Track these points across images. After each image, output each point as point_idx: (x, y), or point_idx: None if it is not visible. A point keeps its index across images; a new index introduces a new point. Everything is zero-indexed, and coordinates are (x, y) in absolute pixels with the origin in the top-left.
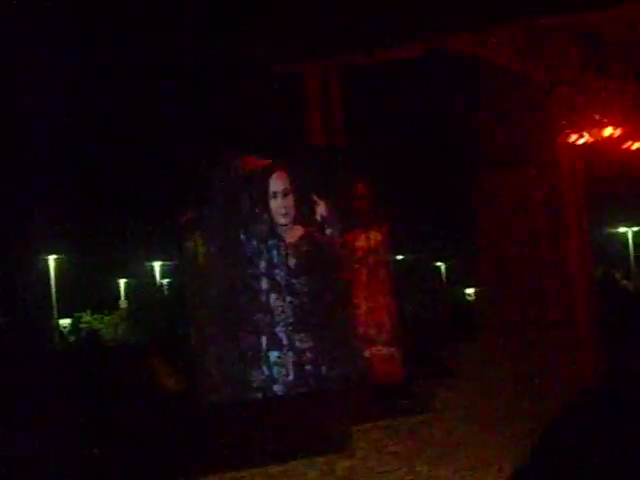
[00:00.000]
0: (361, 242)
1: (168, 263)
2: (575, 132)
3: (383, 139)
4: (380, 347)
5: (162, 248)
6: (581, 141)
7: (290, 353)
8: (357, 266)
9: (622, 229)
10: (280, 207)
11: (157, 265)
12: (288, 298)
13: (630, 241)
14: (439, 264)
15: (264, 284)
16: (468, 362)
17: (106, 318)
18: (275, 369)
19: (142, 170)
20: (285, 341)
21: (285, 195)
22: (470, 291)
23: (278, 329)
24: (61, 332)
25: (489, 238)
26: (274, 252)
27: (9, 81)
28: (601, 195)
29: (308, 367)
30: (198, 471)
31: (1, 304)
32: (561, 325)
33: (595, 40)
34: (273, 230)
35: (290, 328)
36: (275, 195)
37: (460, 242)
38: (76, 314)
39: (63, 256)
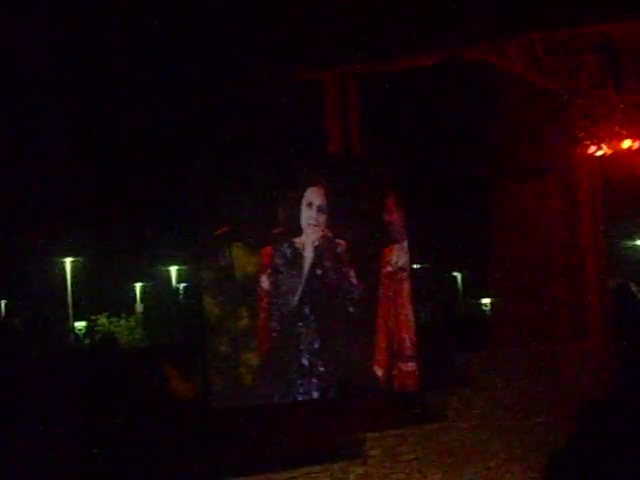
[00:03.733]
0: (387, 257)
1: (184, 267)
2: (594, 144)
3: (400, 148)
4: (401, 362)
5: (179, 252)
6: (599, 153)
7: (311, 367)
8: (384, 282)
9: (639, 242)
10: (311, 218)
11: (173, 269)
12: (312, 313)
13: None
14: (455, 274)
15: (289, 297)
16: (481, 372)
17: (122, 322)
18: (296, 380)
19: (162, 175)
20: (306, 358)
21: (319, 210)
22: (486, 301)
23: (302, 347)
24: (77, 335)
25: (504, 249)
26: (300, 267)
27: (21, 82)
28: (618, 207)
29: (327, 379)
30: (210, 476)
31: (17, 306)
32: (575, 337)
33: (613, 52)
34: (301, 245)
35: (314, 347)
36: (310, 206)
37: (477, 252)
38: (92, 317)
39: (80, 259)
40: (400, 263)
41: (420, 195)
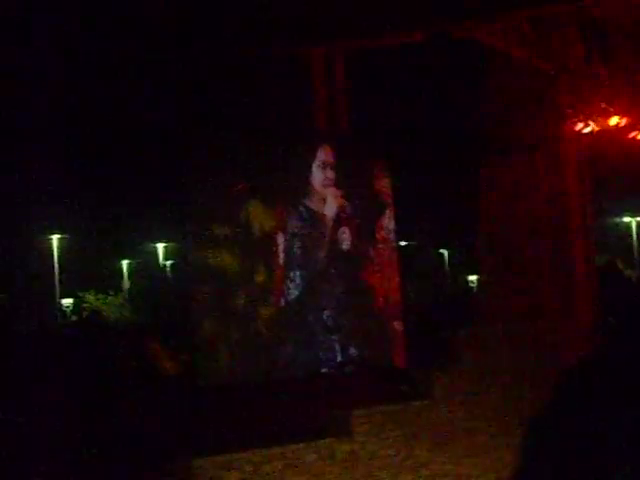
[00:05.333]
0: (381, 222)
1: (171, 244)
2: (581, 121)
3: (386, 125)
4: (392, 323)
5: (165, 229)
6: (587, 130)
7: (332, 338)
8: (378, 247)
9: (626, 219)
10: (328, 178)
11: (160, 246)
12: (332, 272)
13: (634, 231)
14: (442, 251)
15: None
16: (468, 349)
17: (109, 299)
18: (319, 338)
19: (149, 153)
20: (329, 324)
21: (333, 168)
22: (473, 278)
23: (322, 314)
24: (64, 312)
25: (491, 225)
26: (317, 229)
27: (10, 61)
28: (605, 184)
29: (343, 349)
30: (196, 452)
31: (4, 283)
32: (562, 314)
33: (600, 29)
34: (317, 206)
35: (334, 305)
36: (324, 165)
37: (463, 229)
38: (79, 294)
39: (67, 235)
40: (390, 227)
41: (407, 173)
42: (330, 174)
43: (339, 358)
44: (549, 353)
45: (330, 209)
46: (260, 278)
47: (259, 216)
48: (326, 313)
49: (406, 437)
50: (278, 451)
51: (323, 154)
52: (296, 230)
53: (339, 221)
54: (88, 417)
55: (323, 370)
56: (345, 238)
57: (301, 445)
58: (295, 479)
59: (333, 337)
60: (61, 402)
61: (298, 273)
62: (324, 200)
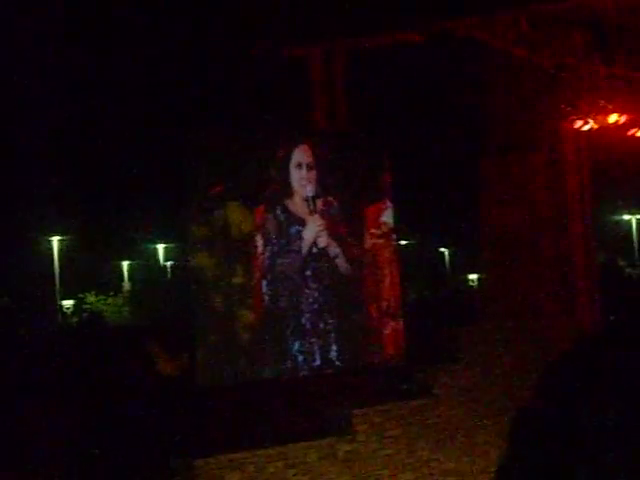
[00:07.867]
0: (376, 216)
1: (171, 245)
2: (580, 118)
3: (386, 124)
4: (392, 321)
5: (166, 230)
6: (586, 127)
7: (313, 339)
8: (372, 241)
9: (626, 216)
10: (303, 178)
11: (161, 247)
12: (312, 274)
13: (634, 229)
14: (443, 250)
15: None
16: (468, 348)
17: (110, 300)
18: (298, 355)
19: (147, 154)
20: (308, 327)
21: (309, 168)
22: (473, 277)
23: (304, 315)
24: (64, 313)
25: (492, 225)
26: (296, 229)
27: (10, 65)
28: (605, 182)
29: (328, 351)
30: (196, 453)
31: (4, 285)
32: (562, 312)
33: (599, 27)
34: (297, 207)
35: (314, 314)
36: (300, 166)
37: (464, 228)
38: (79, 295)
39: (67, 237)
40: (390, 223)
41: (407, 172)
42: (306, 174)
43: (317, 362)
44: (549, 351)
45: (308, 208)
46: (238, 280)
47: (236, 218)
48: (306, 316)
49: (407, 436)
50: (279, 451)
51: (299, 153)
52: (275, 232)
53: (323, 222)
54: (88, 418)
55: (301, 374)
56: (328, 239)
57: (302, 445)
58: (296, 479)
59: (312, 340)
60: (61, 403)
61: (276, 275)
62: (304, 201)
